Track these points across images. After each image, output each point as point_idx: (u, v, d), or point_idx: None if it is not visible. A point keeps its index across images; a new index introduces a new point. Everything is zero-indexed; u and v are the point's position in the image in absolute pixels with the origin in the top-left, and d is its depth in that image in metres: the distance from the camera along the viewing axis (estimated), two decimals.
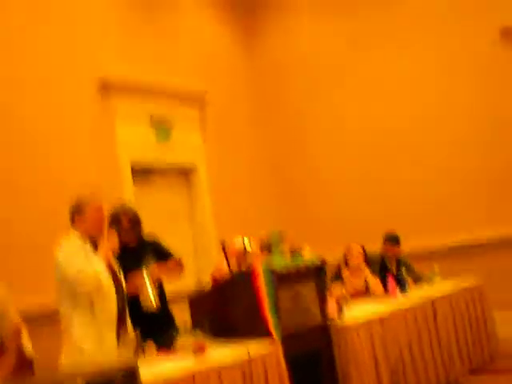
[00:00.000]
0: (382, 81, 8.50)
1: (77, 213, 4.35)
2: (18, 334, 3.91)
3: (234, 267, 4.91)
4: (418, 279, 6.77)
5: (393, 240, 6.93)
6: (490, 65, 7.79)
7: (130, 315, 4.33)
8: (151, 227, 5.23)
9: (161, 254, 4.84)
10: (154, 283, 4.55)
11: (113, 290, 4.18)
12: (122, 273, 4.41)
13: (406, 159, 8.28)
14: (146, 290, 4.50)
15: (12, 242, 5.75)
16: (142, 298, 4.50)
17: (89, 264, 4.11)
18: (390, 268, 6.81)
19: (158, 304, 4.53)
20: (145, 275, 4.51)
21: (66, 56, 6.78)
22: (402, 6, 8.41)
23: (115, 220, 4.75)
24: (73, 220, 4.38)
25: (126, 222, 4.74)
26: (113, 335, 4.16)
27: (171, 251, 4.98)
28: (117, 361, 3.71)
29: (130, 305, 4.39)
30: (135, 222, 4.79)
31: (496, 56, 7.74)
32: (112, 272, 4.27)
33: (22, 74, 6.31)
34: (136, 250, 4.75)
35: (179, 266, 4.93)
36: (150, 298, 4.50)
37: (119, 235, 4.56)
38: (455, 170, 7.95)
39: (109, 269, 4.23)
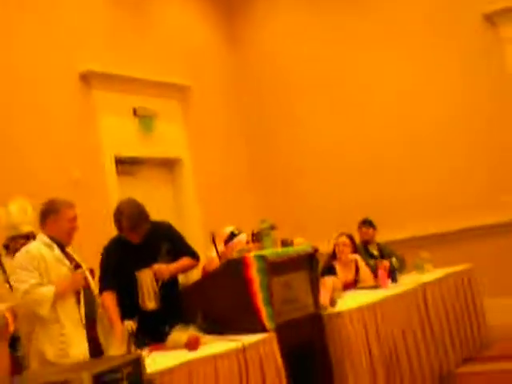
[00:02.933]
0: (369, 71, 8.45)
1: (51, 215, 4.23)
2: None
3: (225, 258, 4.82)
4: (402, 266, 6.78)
5: (366, 223, 7.06)
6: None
7: (130, 309, 4.27)
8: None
9: (175, 251, 4.66)
10: (156, 282, 4.43)
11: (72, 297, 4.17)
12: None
13: (395, 146, 8.23)
14: (143, 290, 4.40)
15: None
16: (140, 297, 4.41)
17: (40, 281, 4.05)
18: (375, 254, 6.84)
19: (154, 306, 4.42)
20: (142, 276, 4.40)
21: (49, 48, 6.69)
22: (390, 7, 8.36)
23: (116, 220, 4.54)
24: (44, 222, 4.26)
25: (125, 223, 4.48)
26: (80, 340, 4.11)
27: (186, 247, 4.78)
28: (121, 354, 3.65)
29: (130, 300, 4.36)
30: (135, 224, 4.48)
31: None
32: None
33: (4, 67, 6.18)
34: (141, 248, 4.55)
35: (191, 265, 4.76)
36: (146, 298, 4.40)
37: (125, 234, 4.50)
38: (445, 157, 7.93)
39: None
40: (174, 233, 4.80)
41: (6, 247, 4.69)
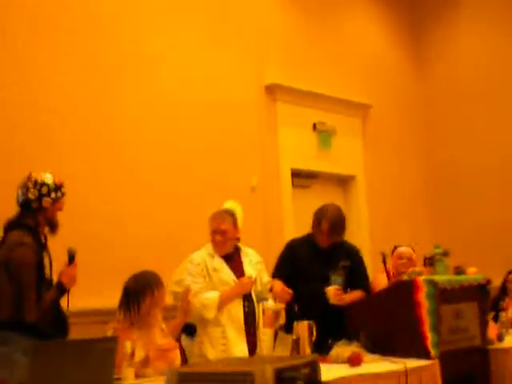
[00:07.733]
0: None
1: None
2: None
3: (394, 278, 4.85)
4: None
5: None
6: None
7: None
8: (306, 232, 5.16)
9: (352, 275, 4.79)
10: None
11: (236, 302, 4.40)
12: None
13: None
14: (299, 342, 4.25)
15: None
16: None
17: (204, 285, 4.36)
18: None
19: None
20: (300, 327, 4.29)
21: (234, 62, 6.93)
22: None
23: (316, 219, 4.77)
24: None
25: (324, 225, 4.70)
26: (241, 344, 4.34)
27: (365, 278, 4.91)
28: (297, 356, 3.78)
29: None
30: (334, 229, 4.69)
31: None
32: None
33: (191, 77, 6.50)
34: (325, 254, 4.76)
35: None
36: (301, 349, 4.26)
37: (316, 235, 4.71)
38: None
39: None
40: (359, 259, 4.94)
41: None
